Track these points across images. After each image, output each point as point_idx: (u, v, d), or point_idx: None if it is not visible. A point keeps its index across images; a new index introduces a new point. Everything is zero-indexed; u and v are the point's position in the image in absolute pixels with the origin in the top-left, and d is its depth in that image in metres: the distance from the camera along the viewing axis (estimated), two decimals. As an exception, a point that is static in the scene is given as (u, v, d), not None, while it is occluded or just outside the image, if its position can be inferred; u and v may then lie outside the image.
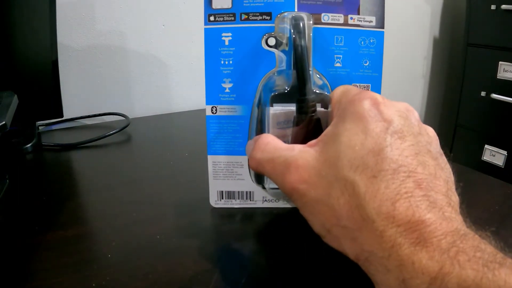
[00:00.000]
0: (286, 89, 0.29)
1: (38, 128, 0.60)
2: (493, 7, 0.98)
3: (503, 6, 0.95)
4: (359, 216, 0.19)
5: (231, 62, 0.32)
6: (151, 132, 0.64)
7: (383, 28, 0.31)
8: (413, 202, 0.18)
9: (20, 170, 0.47)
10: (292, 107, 0.28)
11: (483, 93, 1.04)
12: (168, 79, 0.78)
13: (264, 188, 0.33)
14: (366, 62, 0.31)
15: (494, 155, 1.04)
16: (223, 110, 0.33)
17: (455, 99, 1.14)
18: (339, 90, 0.26)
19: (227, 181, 0.34)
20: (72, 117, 0.67)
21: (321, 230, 0.22)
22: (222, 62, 0.32)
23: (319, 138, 0.24)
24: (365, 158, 0.20)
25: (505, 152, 1.01)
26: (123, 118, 0.65)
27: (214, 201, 0.35)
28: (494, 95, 1.01)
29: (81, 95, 0.71)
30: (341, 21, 0.31)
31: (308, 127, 0.28)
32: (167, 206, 0.37)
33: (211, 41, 0.32)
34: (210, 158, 0.34)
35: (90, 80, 0.71)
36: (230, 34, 0.31)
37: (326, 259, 0.28)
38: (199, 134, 0.60)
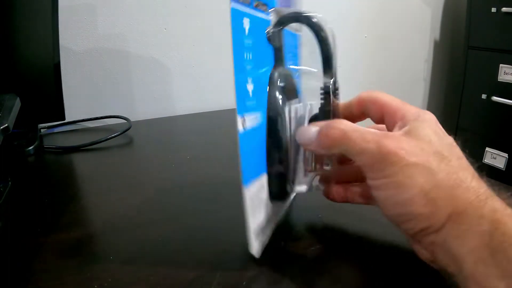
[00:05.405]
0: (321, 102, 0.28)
1: (40, 131, 0.61)
2: (493, 9, 0.98)
3: (504, 9, 0.95)
4: (458, 178, 0.23)
5: (251, 57, 0.25)
6: (153, 135, 0.64)
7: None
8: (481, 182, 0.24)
9: (22, 173, 0.47)
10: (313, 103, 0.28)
11: (483, 96, 1.04)
12: (169, 82, 0.79)
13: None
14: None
15: (495, 158, 1.04)
16: (249, 120, 0.25)
17: (456, 102, 1.14)
18: (377, 94, 0.31)
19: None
20: (74, 119, 0.67)
21: (419, 193, 0.23)
22: (245, 56, 0.24)
23: (401, 131, 0.26)
24: (445, 148, 0.25)
25: (506, 155, 1.01)
26: (125, 121, 0.66)
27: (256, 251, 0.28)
28: (495, 98, 1.01)
29: (83, 98, 0.71)
30: None
31: (334, 111, 0.29)
32: (168, 209, 0.37)
33: (238, 27, 0.23)
34: (247, 192, 0.25)
35: (92, 83, 0.72)
36: (248, 20, 0.25)
37: (329, 263, 0.28)
38: (200, 137, 0.61)
